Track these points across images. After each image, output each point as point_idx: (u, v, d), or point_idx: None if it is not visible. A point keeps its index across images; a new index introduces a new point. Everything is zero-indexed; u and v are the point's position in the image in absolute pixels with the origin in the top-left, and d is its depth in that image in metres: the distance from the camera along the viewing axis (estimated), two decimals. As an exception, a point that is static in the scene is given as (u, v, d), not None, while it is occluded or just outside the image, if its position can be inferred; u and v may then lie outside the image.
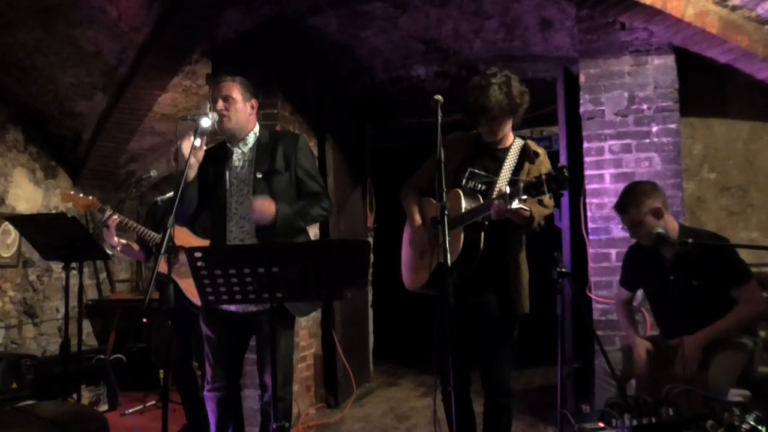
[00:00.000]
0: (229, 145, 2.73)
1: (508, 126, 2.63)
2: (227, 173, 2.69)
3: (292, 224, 2.55)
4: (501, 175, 2.58)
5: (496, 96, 2.49)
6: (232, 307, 2.57)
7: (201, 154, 2.55)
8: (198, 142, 2.48)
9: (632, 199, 2.72)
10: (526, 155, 2.60)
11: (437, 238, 2.58)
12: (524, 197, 2.28)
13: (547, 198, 2.49)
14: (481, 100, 2.51)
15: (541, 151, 2.63)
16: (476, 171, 2.61)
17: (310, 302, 2.68)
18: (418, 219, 2.74)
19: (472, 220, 2.45)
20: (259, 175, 2.62)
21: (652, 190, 2.73)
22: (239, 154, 2.71)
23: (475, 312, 2.57)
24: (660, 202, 2.69)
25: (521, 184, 2.29)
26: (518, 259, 2.62)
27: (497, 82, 2.51)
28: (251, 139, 2.73)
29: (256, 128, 2.76)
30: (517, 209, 2.34)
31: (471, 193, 2.55)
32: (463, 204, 2.49)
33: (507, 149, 2.64)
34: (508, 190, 2.31)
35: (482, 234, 2.48)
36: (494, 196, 2.41)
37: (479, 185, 2.60)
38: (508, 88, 2.51)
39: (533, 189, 2.23)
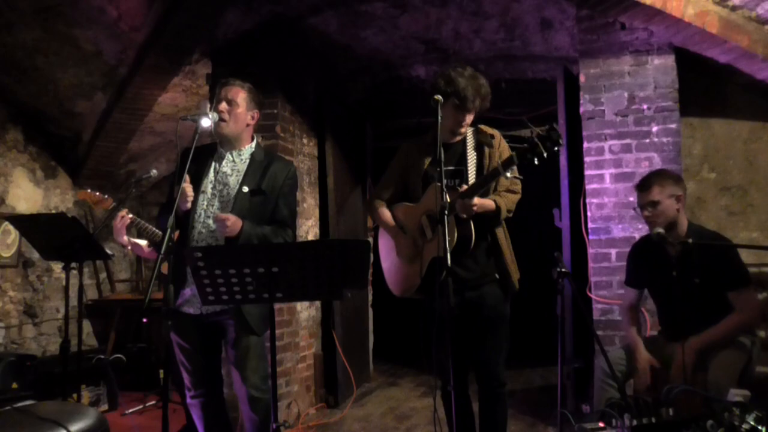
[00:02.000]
0: (221, 148, 2.72)
1: None
2: (213, 174, 2.68)
3: (251, 243, 2.53)
4: (468, 162, 2.62)
5: (486, 90, 2.58)
6: (191, 310, 2.56)
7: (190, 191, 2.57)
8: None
9: (659, 179, 2.76)
10: (482, 138, 2.65)
11: (425, 238, 2.60)
12: (515, 167, 2.35)
13: (515, 181, 2.58)
14: (482, 91, 2.56)
15: (495, 132, 2.69)
16: (444, 168, 2.62)
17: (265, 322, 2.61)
18: (392, 221, 2.77)
19: (481, 189, 2.49)
20: (246, 190, 2.62)
21: (678, 179, 2.82)
22: (230, 161, 2.70)
23: (470, 308, 2.58)
24: (682, 192, 2.76)
25: (513, 154, 2.32)
26: (499, 237, 2.65)
27: (475, 75, 2.59)
28: (246, 153, 2.72)
29: (253, 143, 2.76)
30: (480, 203, 2.44)
31: (451, 189, 2.56)
32: (449, 198, 2.52)
33: (464, 139, 2.68)
34: (500, 167, 2.36)
35: (471, 221, 2.52)
36: (458, 194, 2.46)
37: (452, 181, 2.62)
38: (484, 82, 2.61)
39: (529, 153, 2.26)
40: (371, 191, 5.57)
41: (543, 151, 2.22)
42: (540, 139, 2.21)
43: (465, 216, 2.47)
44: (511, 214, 2.62)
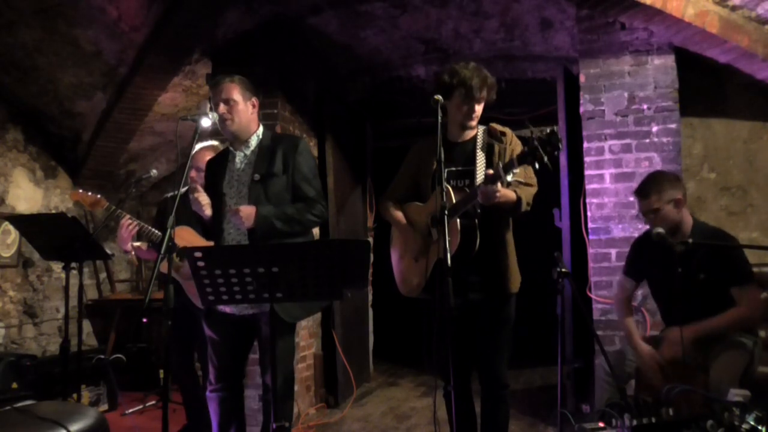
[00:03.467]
0: (231, 148, 2.74)
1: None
2: (228, 176, 2.70)
3: (273, 226, 2.51)
4: (477, 162, 2.59)
5: (491, 81, 2.57)
6: (228, 309, 2.58)
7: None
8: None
9: (655, 186, 2.74)
10: (493, 137, 2.63)
11: (431, 238, 2.60)
12: (517, 170, 2.30)
13: (530, 175, 2.53)
14: (488, 81, 2.55)
15: (506, 129, 2.65)
16: (452, 169, 2.61)
17: (304, 307, 2.68)
18: (403, 219, 2.75)
19: (464, 209, 2.46)
20: (257, 177, 2.61)
21: (675, 181, 2.77)
22: (241, 157, 2.71)
23: (473, 310, 2.57)
24: (681, 194, 2.73)
25: (514, 158, 2.29)
26: (508, 239, 2.64)
27: (479, 68, 2.58)
28: (254, 142, 2.72)
29: (260, 131, 2.76)
30: (503, 192, 2.37)
31: (460, 190, 2.56)
32: (454, 199, 2.50)
33: (473, 138, 2.66)
34: (500, 170, 2.31)
35: (476, 221, 2.49)
36: (482, 180, 2.42)
37: (461, 182, 2.60)
38: (489, 74, 2.59)
39: (529, 157, 2.23)
40: (372, 191, 5.58)
41: (543, 155, 2.20)
42: (540, 143, 2.19)
43: (487, 204, 2.39)
44: (529, 207, 2.55)
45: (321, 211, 2.66)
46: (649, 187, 2.75)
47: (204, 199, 2.58)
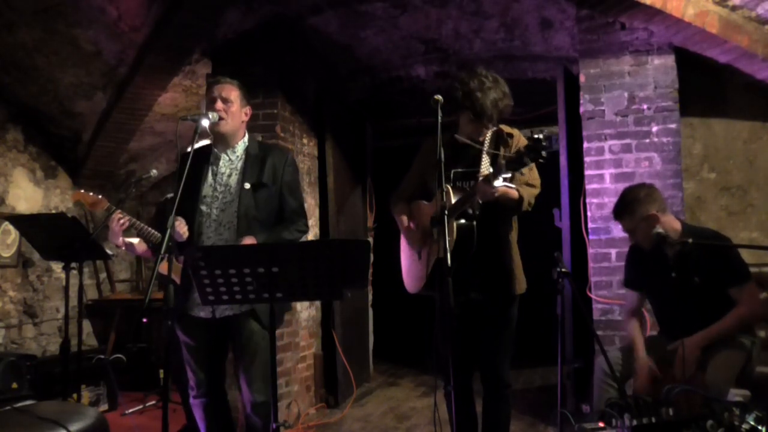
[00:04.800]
0: (215, 149, 2.72)
1: None
2: (210, 178, 2.68)
3: None
4: (482, 164, 2.60)
5: (507, 101, 2.57)
6: (202, 313, 2.56)
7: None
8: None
9: (624, 208, 2.75)
10: (500, 139, 2.64)
11: (432, 237, 2.60)
12: (508, 175, 2.32)
13: (534, 176, 2.54)
14: (501, 104, 2.55)
15: (514, 131, 2.67)
16: (459, 170, 2.63)
17: (281, 307, 2.68)
18: (406, 222, 2.77)
19: (462, 208, 2.47)
20: (247, 186, 2.62)
21: (645, 197, 2.71)
22: (226, 161, 2.69)
23: (475, 310, 2.57)
24: (654, 208, 2.69)
25: (502, 161, 2.31)
26: (510, 241, 2.63)
27: (496, 85, 2.57)
28: (240, 149, 2.72)
29: (246, 138, 2.76)
30: (503, 190, 2.38)
31: (461, 191, 2.56)
32: (453, 199, 2.51)
33: (482, 140, 2.66)
34: (490, 171, 2.33)
35: (475, 223, 2.50)
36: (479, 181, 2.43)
37: (466, 183, 2.61)
38: (505, 90, 2.59)
39: (515, 163, 2.25)
40: (372, 191, 5.58)
41: (528, 161, 2.21)
42: (526, 149, 2.21)
43: (483, 200, 2.41)
44: (530, 208, 2.56)
45: (303, 225, 2.73)
46: (621, 209, 2.76)
47: (184, 230, 2.55)
